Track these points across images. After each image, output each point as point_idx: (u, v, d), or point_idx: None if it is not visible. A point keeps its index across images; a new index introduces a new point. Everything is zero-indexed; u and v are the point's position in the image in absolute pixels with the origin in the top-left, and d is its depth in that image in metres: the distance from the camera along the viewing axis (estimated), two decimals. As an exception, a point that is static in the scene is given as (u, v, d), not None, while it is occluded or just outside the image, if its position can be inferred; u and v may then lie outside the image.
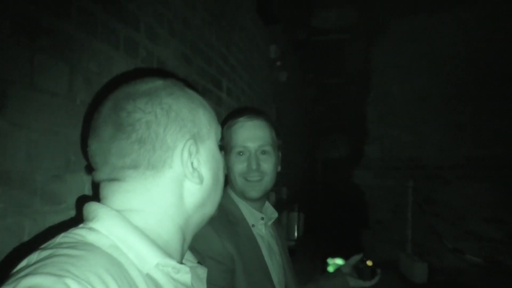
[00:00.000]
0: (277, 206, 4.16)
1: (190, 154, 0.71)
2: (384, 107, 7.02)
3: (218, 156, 0.80)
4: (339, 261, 1.71)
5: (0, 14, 0.87)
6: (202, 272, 0.82)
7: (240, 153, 1.37)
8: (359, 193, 7.18)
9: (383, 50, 7.02)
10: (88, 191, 1.16)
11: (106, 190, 0.70)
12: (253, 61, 3.41)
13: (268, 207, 1.48)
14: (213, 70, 2.29)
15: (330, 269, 1.69)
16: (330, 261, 1.75)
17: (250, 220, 1.37)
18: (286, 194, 4.56)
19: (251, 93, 3.29)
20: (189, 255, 0.83)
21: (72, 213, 1.09)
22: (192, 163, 0.72)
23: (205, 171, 0.75)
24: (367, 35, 7.41)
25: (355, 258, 1.66)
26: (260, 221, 1.39)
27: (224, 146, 1.36)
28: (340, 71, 9.43)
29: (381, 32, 7.00)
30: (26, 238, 0.93)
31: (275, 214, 1.47)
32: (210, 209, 0.79)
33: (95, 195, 0.72)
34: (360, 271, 1.61)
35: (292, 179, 5.77)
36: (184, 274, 0.70)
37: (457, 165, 6.38)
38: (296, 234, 4.29)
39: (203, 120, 0.75)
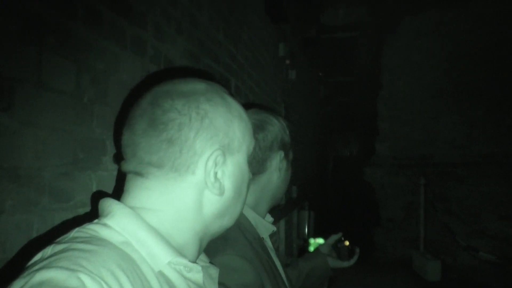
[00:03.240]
0: (287, 205, 4.15)
1: (215, 164, 0.70)
2: (395, 105, 6.97)
3: (246, 170, 0.79)
4: (320, 241, 1.69)
5: (7, 13, 0.88)
6: (214, 272, 0.82)
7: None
8: (370, 191, 7.14)
9: (394, 47, 6.97)
10: (96, 188, 1.17)
11: (129, 184, 0.72)
12: (261, 59, 3.40)
13: (269, 218, 1.41)
14: (220, 68, 2.29)
15: (311, 248, 1.67)
16: (311, 240, 1.72)
17: (261, 233, 1.29)
18: (296, 193, 4.55)
19: (259, 91, 3.28)
20: (201, 255, 0.83)
21: (80, 210, 1.10)
22: (216, 173, 0.71)
23: (228, 183, 0.74)
24: (377, 32, 7.36)
25: (334, 237, 1.62)
26: (267, 233, 1.33)
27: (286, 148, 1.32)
28: (350, 68, 9.39)
29: (392, 29, 6.94)
30: (34, 235, 0.94)
31: (274, 228, 1.39)
32: (228, 221, 0.78)
33: (119, 187, 0.73)
34: (338, 251, 1.59)
35: (302, 177, 5.75)
36: (196, 273, 0.70)
37: (470, 162, 6.32)
38: (306, 232, 4.28)
39: (237, 133, 0.74)
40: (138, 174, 0.70)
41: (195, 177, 0.70)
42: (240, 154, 0.76)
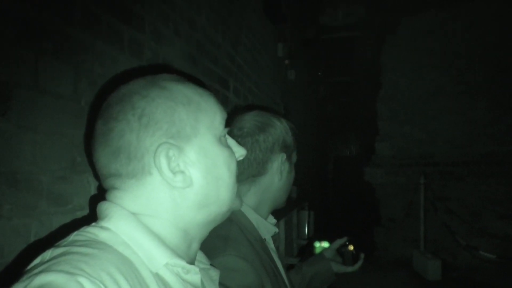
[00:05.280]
0: (287, 205, 4.13)
1: (169, 158, 0.67)
2: (395, 104, 6.97)
3: (216, 151, 0.73)
4: (325, 244, 1.67)
5: (4, 17, 0.88)
6: (215, 274, 0.82)
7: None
8: (370, 191, 7.13)
9: (394, 47, 6.96)
10: (94, 191, 1.17)
11: (107, 198, 0.72)
12: (260, 60, 3.40)
13: (271, 219, 1.40)
14: (219, 70, 2.29)
15: (317, 252, 1.67)
16: (317, 244, 1.72)
17: (263, 234, 1.27)
18: (296, 193, 4.55)
19: (259, 92, 3.28)
20: (202, 257, 0.83)
21: (79, 213, 1.10)
22: (178, 165, 0.69)
23: (195, 171, 0.70)
24: (377, 32, 7.36)
25: (339, 241, 1.61)
26: (269, 235, 1.31)
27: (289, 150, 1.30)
28: (350, 68, 9.39)
29: (391, 29, 6.93)
30: (32, 239, 0.94)
31: (277, 229, 1.36)
32: (216, 208, 0.74)
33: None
34: (343, 256, 1.57)
35: (302, 177, 5.75)
36: (194, 274, 0.70)
37: (470, 161, 6.32)
38: (306, 232, 4.28)
39: (185, 118, 0.70)
40: (109, 187, 0.71)
41: (154, 177, 0.68)
42: (201, 137, 0.71)
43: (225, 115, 0.78)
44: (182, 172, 0.69)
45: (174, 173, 0.68)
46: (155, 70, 0.81)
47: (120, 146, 0.66)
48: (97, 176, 0.74)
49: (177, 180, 0.68)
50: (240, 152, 0.82)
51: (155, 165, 0.67)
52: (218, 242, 1.02)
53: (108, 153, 0.67)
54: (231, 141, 0.81)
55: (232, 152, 0.78)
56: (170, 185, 0.69)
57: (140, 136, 0.66)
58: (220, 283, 0.84)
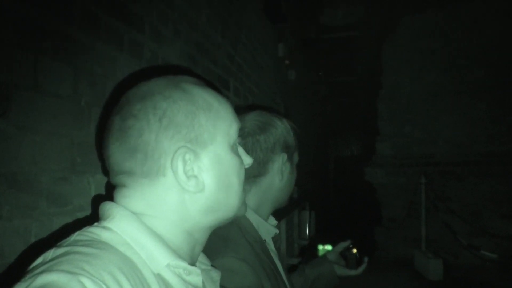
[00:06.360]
0: (288, 205, 4.12)
1: (185, 161, 0.68)
2: (395, 104, 6.96)
3: (229, 160, 0.74)
4: (329, 247, 1.67)
5: (3, 17, 0.88)
6: (216, 275, 0.82)
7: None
8: (371, 191, 7.12)
9: (394, 46, 6.95)
10: (94, 192, 1.17)
11: (114, 195, 0.72)
12: (260, 60, 3.40)
13: (272, 220, 1.38)
14: (219, 70, 2.29)
15: (320, 255, 1.66)
16: (320, 246, 1.71)
17: (263, 236, 1.26)
18: (297, 193, 4.55)
19: (259, 92, 3.28)
20: (203, 258, 0.83)
21: (79, 214, 1.10)
22: (191, 170, 0.69)
23: (208, 178, 0.71)
24: (377, 32, 7.35)
25: (342, 244, 1.60)
26: (269, 236, 1.30)
27: (290, 151, 1.29)
28: (350, 68, 9.38)
29: (391, 28, 6.92)
30: (33, 239, 0.94)
31: (277, 230, 1.35)
32: (223, 214, 0.76)
33: (111, 197, 0.74)
34: (346, 259, 1.56)
35: (303, 177, 5.75)
36: (196, 276, 0.70)
37: (471, 161, 6.31)
38: (307, 232, 4.28)
39: (205, 124, 0.70)
40: (119, 184, 0.71)
41: (167, 179, 0.68)
42: (216, 144, 0.72)
43: (239, 125, 0.79)
44: (196, 176, 0.70)
45: (188, 177, 0.69)
46: (173, 72, 0.80)
47: (137, 145, 0.66)
48: (105, 171, 0.74)
49: (190, 184, 0.69)
50: (247, 161, 0.83)
51: (171, 168, 0.67)
52: (218, 243, 1.02)
53: (123, 150, 0.67)
54: (240, 150, 0.82)
55: (241, 161, 0.79)
56: (182, 188, 0.69)
57: (159, 137, 0.67)
58: (220, 285, 0.84)
